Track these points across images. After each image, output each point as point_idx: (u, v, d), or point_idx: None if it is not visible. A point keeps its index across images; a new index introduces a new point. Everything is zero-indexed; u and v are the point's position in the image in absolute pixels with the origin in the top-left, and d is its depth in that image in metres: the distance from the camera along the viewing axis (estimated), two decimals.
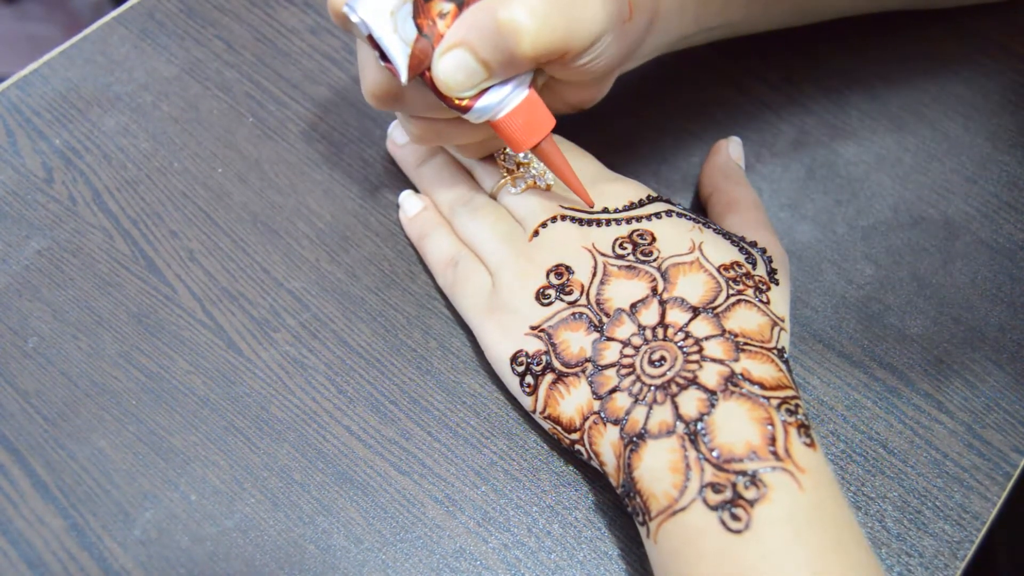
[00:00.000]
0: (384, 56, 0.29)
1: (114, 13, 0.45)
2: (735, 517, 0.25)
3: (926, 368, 0.35)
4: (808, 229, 0.39)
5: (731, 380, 0.28)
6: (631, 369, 0.29)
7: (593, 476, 0.33)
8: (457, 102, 0.30)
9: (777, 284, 0.33)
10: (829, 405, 0.35)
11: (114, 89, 0.42)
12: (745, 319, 0.30)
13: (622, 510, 0.32)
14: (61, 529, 0.32)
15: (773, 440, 0.27)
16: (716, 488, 0.26)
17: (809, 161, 0.41)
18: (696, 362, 0.29)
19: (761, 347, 0.29)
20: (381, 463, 0.33)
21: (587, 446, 0.30)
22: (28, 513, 0.32)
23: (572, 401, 0.30)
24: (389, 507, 0.32)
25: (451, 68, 0.28)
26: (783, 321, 0.31)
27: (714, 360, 0.29)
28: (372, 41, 0.28)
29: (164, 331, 0.36)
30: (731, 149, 0.39)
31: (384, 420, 0.34)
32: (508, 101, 0.30)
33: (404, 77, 0.29)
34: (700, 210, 0.38)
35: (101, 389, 0.34)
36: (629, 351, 0.30)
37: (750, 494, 0.26)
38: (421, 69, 0.29)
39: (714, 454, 0.27)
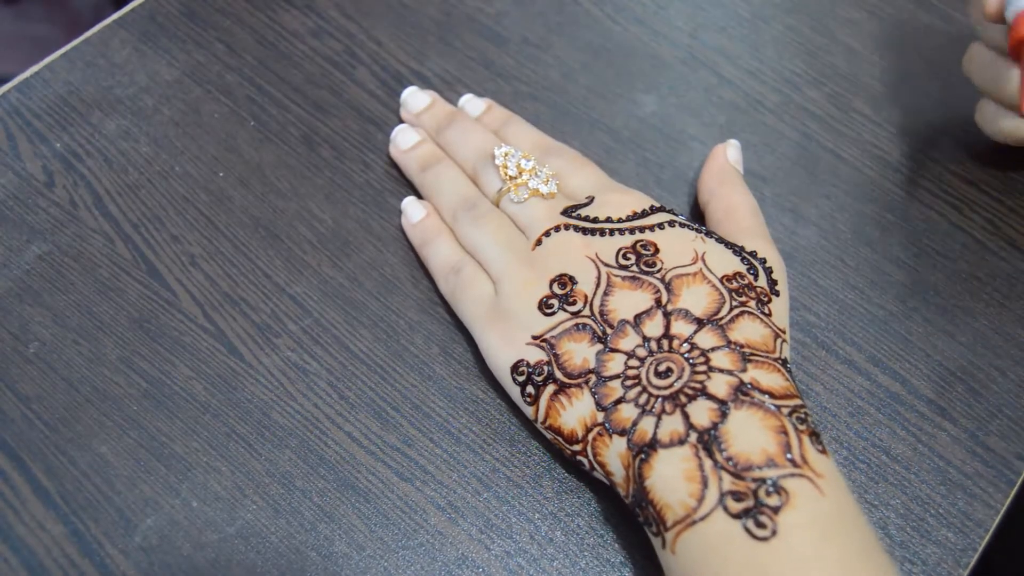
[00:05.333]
0: None
1: (115, 16, 0.45)
2: (760, 524, 0.25)
3: (929, 374, 0.35)
4: (810, 233, 0.39)
5: (740, 390, 0.28)
6: (636, 380, 0.29)
7: (596, 483, 0.33)
8: None
9: (778, 295, 0.32)
10: (832, 412, 0.34)
11: (115, 92, 0.42)
12: (749, 330, 0.30)
13: (625, 517, 0.32)
14: (62, 535, 0.32)
15: (788, 447, 0.27)
16: (737, 496, 0.26)
17: (811, 165, 0.41)
18: (704, 373, 0.28)
19: (767, 357, 0.29)
20: (383, 469, 0.33)
21: (591, 457, 0.30)
22: (29, 519, 0.32)
23: (574, 412, 0.30)
24: (391, 514, 0.32)
25: None
26: (784, 333, 0.31)
27: (722, 371, 0.28)
28: None
29: (165, 336, 0.36)
30: (729, 153, 0.39)
31: (386, 426, 0.34)
32: None
33: None
34: (698, 216, 0.38)
35: (102, 395, 0.34)
36: (634, 363, 0.30)
37: (773, 501, 0.25)
38: None
39: (730, 463, 0.26)
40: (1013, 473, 0.33)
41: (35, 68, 0.43)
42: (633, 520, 0.32)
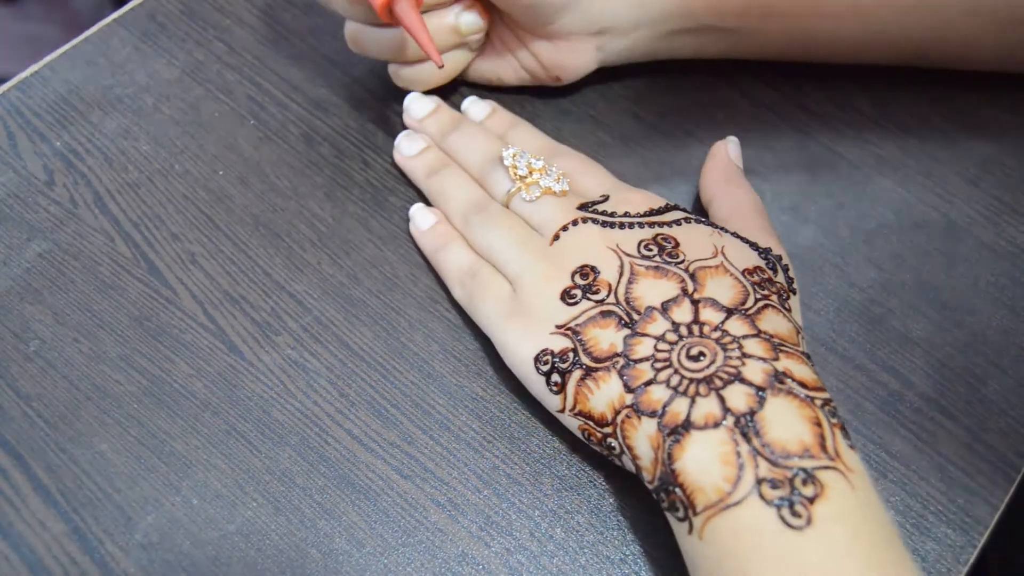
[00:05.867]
0: None
1: (115, 15, 0.45)
2: (796, 514, 0.25)
3: (928, 372, 0.35)
4: (810, 232, 0.39)
5: (776, 378, 0.28)
6: (667, 363, 0.29)
7: (596, 480, 0.33)
8: None
9: (795, 293, 0.33)
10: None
11: (115, 91, 0.42)
12: (776, 323, 0.30)
13: (625, 514, 0.32)
14: (62, 533, 0.32)
15: (823, 439, 0.27)
16: (773, 484, 0.26)
17: (811, 164, 0.41)
18: (739, 358, 0.28)
19: (795, 349, 0.29)
20: (383, 467, 0.33)
21: (620, 439, 0.30)
22: (29, 517, 0.32)
23: (602, 396, 0.30)
24: (391, 511, 0.32)
25: None
26: (802, 330, 0.32)
27: (756, 358, 0.28)
28: None
29: (165, 334, 0.36)
30: (730, 150, 0.39)
31: (386, 424, 0.34)
32: None
33: None
34: (701, 213, 0.38)
35: (102, 392, 0.34)
36: (663, 346, 0.29)
37: (808, 491, 0.25)
38: None
39: (767, 449, 0.26)
40: (1013, 471, 0.33)
41: (35, 67, 0.43)
42: (633, 517, 0.32)
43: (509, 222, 0.35)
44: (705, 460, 0.27)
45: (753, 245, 0.33)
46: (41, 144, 0.40)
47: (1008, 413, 0.34)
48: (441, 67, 0.34)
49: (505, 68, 0.39)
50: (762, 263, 0.32)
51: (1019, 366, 0.35)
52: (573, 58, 0.36)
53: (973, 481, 0.33)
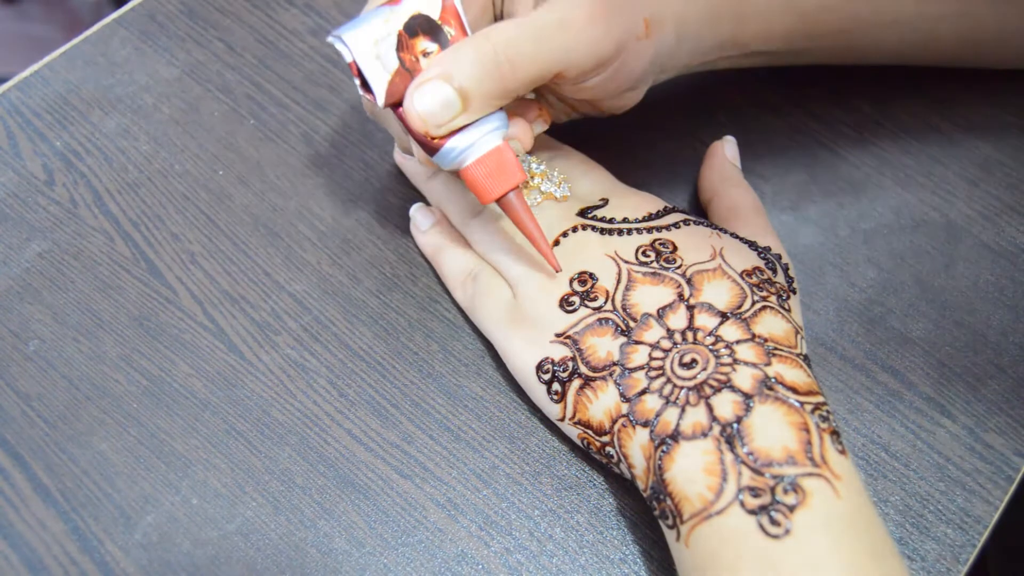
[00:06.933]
0: (365, 86, 0.30)
1: (115, 15, 0.45)
2: (775, 522, 0.25)
3: (928, 371, 0.35)
4: (810, 232, 0.39)
5: (765, 384, 0.28)
6: (660, 371, 0.29)
7: (595, 480, 0.33)
8: (428, 139, 0.30)
9: (795, 293, 0.33)
10: (831, 408, 0.34)
11: (115, 91, 0.42)
12: (772, 325, 0.30)
13: (625, 514, 0.32)
14: (62, 533, 0.32)
15: (809, 446, 0.27)
16: (755, 492, 0.26)
17: (811, 164, 0.41)
18: (729, 365, 0.28)
19: (790, 352, 0.29)
20: (383, 466, 0.33)
21: (617, 448, 0.30)
22: (29, 517, 0.32)
23: (600, 405, 0.30)
24: (391, 511, 0.32)
25: (428, 97, 0.29)
26: (802, 330, 0.32)
27: (747, 363, 0.28)
28: (355, 69, 0.30)
29: (165, 334, 0.36)
30: (727, 150, 0.39)
31: (386, 423, 0.34)
32: (477, 147, 0.30)
33: (381, 101, 0.30)
34: (700, 214, 0.38)
35: (102, 392, 0.34)
36: (658, 354, 0.30)
37: (789, 499, 0.26)
38: (398, 99, 0.30)
39: (751, 457, 0.26)
40: (1012, 470, 0.33)
41: (35, 67, 0.43)
42: (632, 517, 0.32)
43: (508, 227, 0.35)
44: (691, 470, 0.27)
45: (752, 244, 0.33)
46: (41, 144, 0.40)
47: (1007, 412, 0.34)
48: (558, 271, 0.32)
49: (559, 116, 0.38)
50: (761, 263, 0.32)
51: (1019, 366, 0.35)
52: (635, 97, 0.35)
53: (972, 480, 0.33)
